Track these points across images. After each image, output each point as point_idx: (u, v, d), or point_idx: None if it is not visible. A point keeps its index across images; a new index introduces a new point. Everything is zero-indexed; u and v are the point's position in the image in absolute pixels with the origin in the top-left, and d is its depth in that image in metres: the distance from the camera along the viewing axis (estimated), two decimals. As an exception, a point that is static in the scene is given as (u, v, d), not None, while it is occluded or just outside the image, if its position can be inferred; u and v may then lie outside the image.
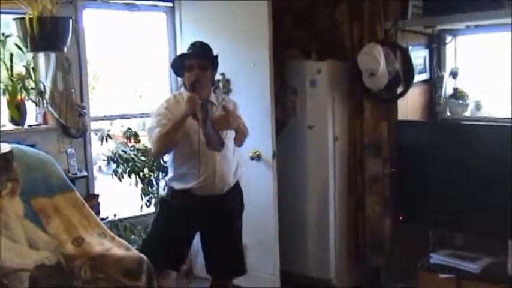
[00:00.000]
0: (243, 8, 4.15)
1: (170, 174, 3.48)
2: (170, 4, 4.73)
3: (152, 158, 4.18)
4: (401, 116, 4.35)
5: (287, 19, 4.60)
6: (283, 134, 4.45)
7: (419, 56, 4.43)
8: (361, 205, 4.50)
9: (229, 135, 3.40)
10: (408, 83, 4.32)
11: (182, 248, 3.45)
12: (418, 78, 4.39)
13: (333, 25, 4.50)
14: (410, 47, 4.33)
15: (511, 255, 3.64)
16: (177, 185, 3.38)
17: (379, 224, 4.41)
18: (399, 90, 4.33)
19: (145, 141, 4.42)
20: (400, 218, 4.20)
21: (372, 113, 4.39)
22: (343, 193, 4.53)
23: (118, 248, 2.27)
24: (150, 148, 3.47)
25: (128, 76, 5.22)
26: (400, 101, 4.35)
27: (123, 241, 2.49)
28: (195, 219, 3.38)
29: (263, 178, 4.17)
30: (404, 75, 4.30)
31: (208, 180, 3.31)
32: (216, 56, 3.42)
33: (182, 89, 3.52)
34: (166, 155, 3.48)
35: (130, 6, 4.58)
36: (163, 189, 3.71)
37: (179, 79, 4.65)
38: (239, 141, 3.44)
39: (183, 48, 4.68)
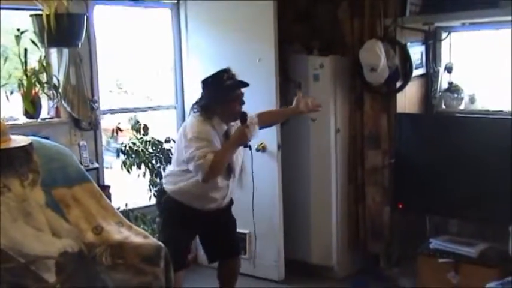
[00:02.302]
0: (248, 4, 4.11)
1: (174, 187, 3.38)
2: (174, 0, 4.66)
3: (158, 151, 4.31)
4: (399, 109, 4.33)
5: (289, 14, 4.55)
6: (287, 126, 4.41)
7: (416, 51, 4.40)
8: (362, 194, 4.47)
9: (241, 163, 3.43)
10: (406, 77, 4.30)
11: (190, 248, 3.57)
12: (415, 72, 4.37)
13: (334, 21, 4.46)
14: (408, 43, 4.30)
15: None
16: (186, 201, 3.36)
17: (378, 212, 4.40)
18: (398, 84, 4.30)
19: (153, 134, 4.41)
20: (400, 206, 4.18)
21: (372, 106, 4.37)
22: (344, 183, 4.50)
23: (136, 236, 2.24)
24: (202, 172, 3.15)
25: (131, 71, 5.15)
26: (398, 95, 4.34)
27: (141, 229, 2.46)
28: (200, 224, 3.45)
29: (268, 169, 4.14)
30: (403, 70, 4.29)
31: (219, 203, 3.39)
32: None
33: (197, 113, 3.33)
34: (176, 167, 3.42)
35: (136, 2, 4.49)
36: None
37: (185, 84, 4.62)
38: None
39: (188, 44, 4.63)
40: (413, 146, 4.18)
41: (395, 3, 4.23)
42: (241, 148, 3.35)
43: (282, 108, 3.97)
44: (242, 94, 3.32)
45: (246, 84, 3.32)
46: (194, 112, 3.34)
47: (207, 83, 3.34)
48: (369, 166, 4.40)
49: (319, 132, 4.40)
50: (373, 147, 4.37)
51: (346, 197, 4.52)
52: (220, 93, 3.26)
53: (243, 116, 3.23)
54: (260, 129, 3.56)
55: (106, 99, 4.39)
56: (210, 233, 3.54)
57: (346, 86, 4.46)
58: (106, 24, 4.39)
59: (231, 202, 3.56)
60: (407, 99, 4.41)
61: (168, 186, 3.42)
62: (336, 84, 4.37)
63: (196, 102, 3.38)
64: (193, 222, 3.39)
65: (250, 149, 3.35)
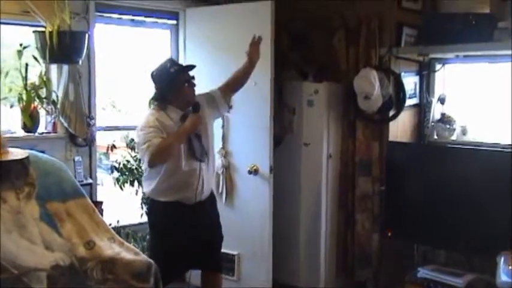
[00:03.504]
0: (246, 27, 4.15)
1: (151, 187, 3.41)
2: (174, 22, 4.74)
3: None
4: (391, 137, 4.38)
5: (285, 40, 4.61)
6: (280, 150, 4.45)
7: (410, 81, 4.48)
8: (351, 221, 4.50)
9: (211, 144, 3.48)
10: (400, 106, 4.36)
11: (183, 256, 3.44)
12: (408, 102, 4.43)
13: (329, 49, 4.52)
14: (402, 73, 4.37)
15: (501, 267, 3.62)
16: (165, 198, 3.37)
17: (367, 239, 4.42)
18: (391, 113, 4.37)
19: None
20: (389, 233, 4.22)
21: (364, 133, 4.42)
22: (335, 209, 4.54)
23: (127, 252, 2.27)
24: (148, 155, 3.20)
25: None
26: (391, 123, 4.39)
27: (132, 246, 2.49)
28: (189, 227, 3.40)
29: (260, 191, 4.17)
30: (396, 99, 4.35)
31: (199, 190, 3.36)
32: None
33: (152, 107, 3.43)
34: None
35: (136, 23, 4.58)
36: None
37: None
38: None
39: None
40: (404, 175, 4.20)
41: (390, 33, 4.31)
42: (209, 130, 3.47)
43: (241, 67, 3.71)
44: (191, 77, 3.37)
45: (192, 67, 3.40)
46: (151, 108, 3.44)
47: (153, 76, 3.40)
48: (360, 192, 4.44)
49: (311, 156, 4.44)
50: (364, 174, 4.41)
51: (335, 222, 4.54)
52: (169, 80, 3.30)
53: (196, 106, 3.30)
54: (236, 91, 3.67)
55: (98, 116, 4.43)
56: (196, 236, 3.43)
57: (340, 112, 4.51)
58: (104, 43, 4.46)
59: (213, 198, 3.58)
60: (400, 128, 4.47)
61: (147, 189, 3.47)
62: (330, 110, 4.43)
63: (152, 98, 3.46)
64: (180, 222, 3.36)
65: (200, 138, 3.36)
